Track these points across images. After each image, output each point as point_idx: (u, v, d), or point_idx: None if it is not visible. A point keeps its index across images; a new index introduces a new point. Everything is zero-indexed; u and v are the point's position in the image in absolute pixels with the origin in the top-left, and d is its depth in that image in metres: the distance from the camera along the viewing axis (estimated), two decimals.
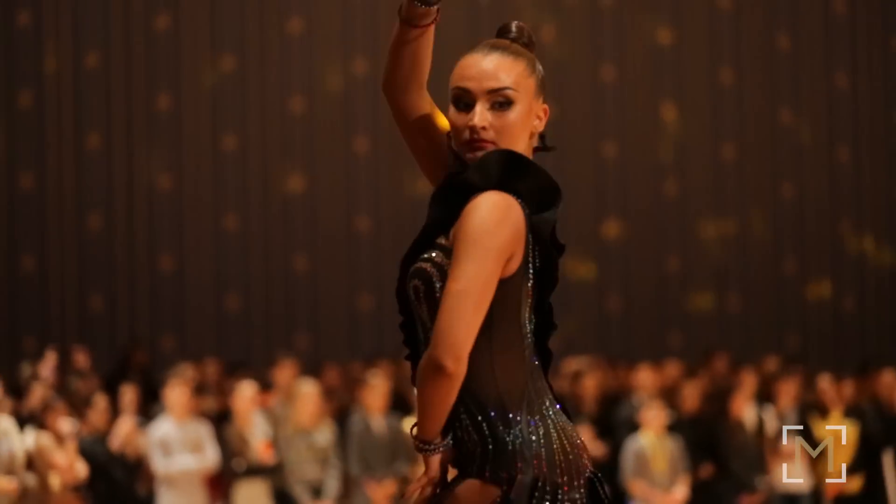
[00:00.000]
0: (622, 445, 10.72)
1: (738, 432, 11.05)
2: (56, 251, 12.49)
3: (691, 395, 11.24)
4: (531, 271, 2.83)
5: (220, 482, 10.27)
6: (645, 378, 11.40)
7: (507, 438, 2.79)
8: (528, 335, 2.85)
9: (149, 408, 10.44)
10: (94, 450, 9.43)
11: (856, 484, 10.89)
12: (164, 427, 9.90)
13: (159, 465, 9.80)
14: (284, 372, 10.94)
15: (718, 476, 10.96)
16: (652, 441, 10.68)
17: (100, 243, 12.62)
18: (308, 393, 10.41)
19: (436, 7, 2.96)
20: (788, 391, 11.36)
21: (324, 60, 12.96)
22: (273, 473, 10.18)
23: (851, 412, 11.17)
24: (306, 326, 12.96)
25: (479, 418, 2.81)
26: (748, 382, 11.27)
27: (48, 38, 12.56)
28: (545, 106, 2.91)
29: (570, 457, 2.84)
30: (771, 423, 11.25)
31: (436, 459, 2.86)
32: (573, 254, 12.99)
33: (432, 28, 3.01)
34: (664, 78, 13.61)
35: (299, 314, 12.97)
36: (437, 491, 2.89)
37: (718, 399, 11.29)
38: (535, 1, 13.31)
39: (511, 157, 2.86)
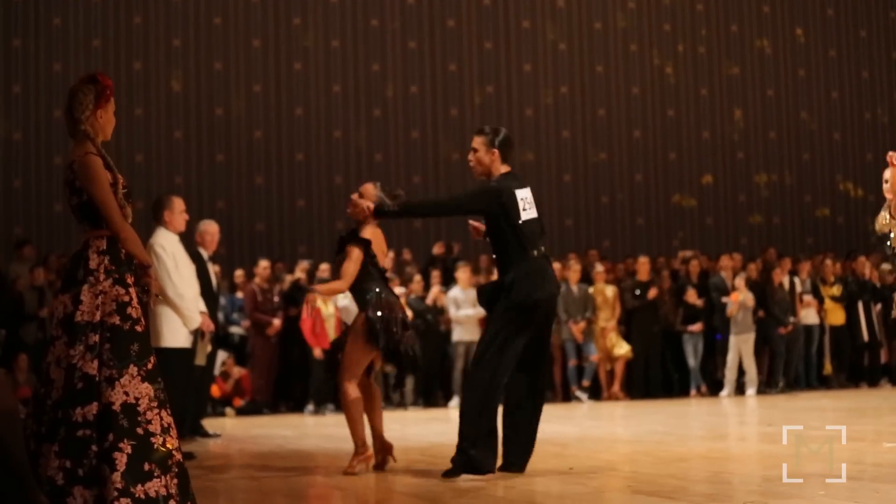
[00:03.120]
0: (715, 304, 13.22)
1: (779, 291, 13.75)
2: None
3: (754, 269, 13.74)
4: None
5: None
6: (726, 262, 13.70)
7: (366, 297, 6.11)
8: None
9: None
10: None
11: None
12: None
13: None
14: None
15: (767, 315, 13.66)
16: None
17: None
18: None
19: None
20: (804, 268, 14.25)
21: None
22: None
23: (838, 280, 14.35)
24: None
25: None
26: (784, 266, 13.92)
27: None
28: None
29: (392, 305, 6.12)
30: (798, 287, 13.90)
31: None
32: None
33: None
34: None
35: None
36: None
37: (765, 272, 13.91)
38: None
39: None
